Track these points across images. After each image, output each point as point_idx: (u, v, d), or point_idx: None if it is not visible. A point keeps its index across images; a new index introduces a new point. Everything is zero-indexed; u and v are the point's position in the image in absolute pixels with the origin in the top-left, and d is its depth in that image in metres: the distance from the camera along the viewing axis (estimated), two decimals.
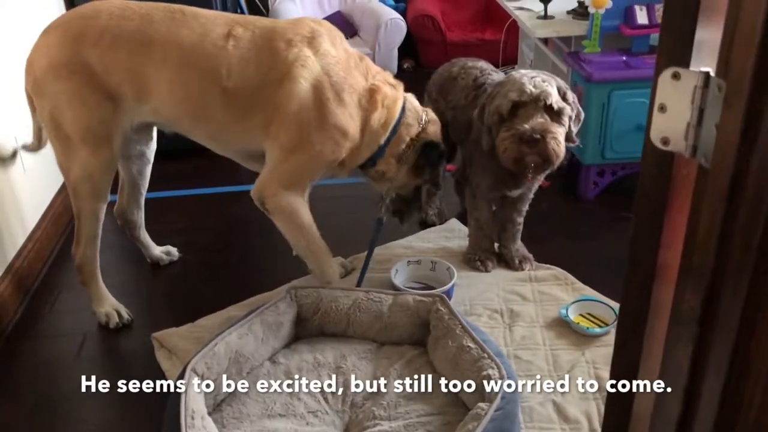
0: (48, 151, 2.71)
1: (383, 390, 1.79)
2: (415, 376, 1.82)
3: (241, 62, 1.96)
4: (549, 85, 2.08)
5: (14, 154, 2.42)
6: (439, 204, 2.84)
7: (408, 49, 4.64)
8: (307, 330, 2.01)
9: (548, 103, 2.04)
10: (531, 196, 2.46)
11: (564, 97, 2.11)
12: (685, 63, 0.79)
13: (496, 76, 2.45)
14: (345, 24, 4.64)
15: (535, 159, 2.08)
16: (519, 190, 2.38)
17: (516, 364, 1.99)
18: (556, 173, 2.79)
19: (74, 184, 2.09)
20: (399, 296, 2.00)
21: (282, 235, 2.20)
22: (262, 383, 1.80)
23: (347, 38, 4.45)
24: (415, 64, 4.69)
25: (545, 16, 3.09)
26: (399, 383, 1.79)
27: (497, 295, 2.31)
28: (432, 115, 2.25)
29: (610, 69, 2.76)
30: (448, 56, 4.63)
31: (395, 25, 4.37)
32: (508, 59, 4.35)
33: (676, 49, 0.79)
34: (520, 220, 2.47)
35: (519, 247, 2.50)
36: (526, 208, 2.47)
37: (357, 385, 1.81)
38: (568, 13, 3.09)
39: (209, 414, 1.73)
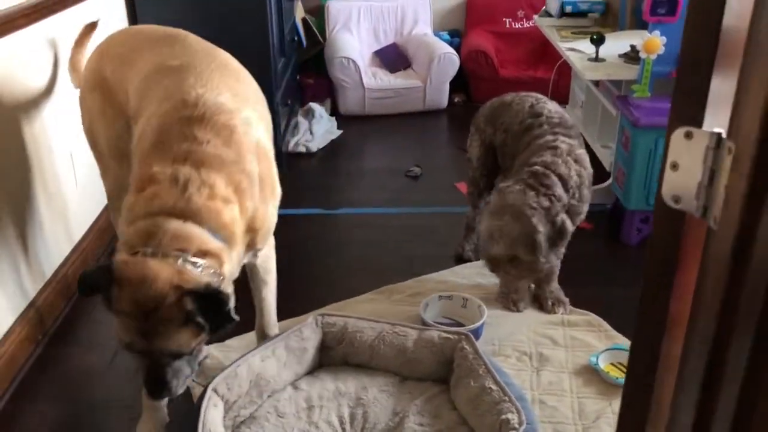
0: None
1: (402, 425, 1.78)
2: (435, 416, 1.81)
3: None
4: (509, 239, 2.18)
5: None
6: (476, 240, 2.83)
7: (460, 83, 4.67)
8: (332, 358, 2.02)
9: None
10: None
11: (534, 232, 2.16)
12: (698, 122, 0.78)
13: (551, 105, 2.46)
14: (399, 56, 4.70)
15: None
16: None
17: (540, 410, 1.96)
18: (600, 217, 2.74)
19: (109, 196, 2.18)
20: (424, 332, 2.00)
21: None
22: (281, 408, 1.81)
23: (401, 70, 4.55)
24: (466, 98, 4.71)
25: (596, 59, 3.07)
26: (418, 420, 1.78)
27: (528, 338, 2.28)
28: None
29: (659, 115, 2.71)
30: (499, 92, 4.62)
31: (448, 60, 4.40)
32: (558, 99, 4.32)
33: (689, 108, 0.78)
34: (557, 261, 2.44)
35: (554, 289, 2.46)
36: (562, 249, 2.44)
37: (376, 418, 1.81)
38: (620, 56, 3.06)
39: None
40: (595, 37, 3.06)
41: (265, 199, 1.71)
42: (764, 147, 0.66)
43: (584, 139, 3.64)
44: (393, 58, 4.68)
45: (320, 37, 4.69)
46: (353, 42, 4.61)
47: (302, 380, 1.95)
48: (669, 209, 0.81)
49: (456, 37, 4.93)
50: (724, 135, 0.74)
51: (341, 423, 1.81)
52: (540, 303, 2.46)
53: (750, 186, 0.68)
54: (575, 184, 2.19)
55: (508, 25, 4.88)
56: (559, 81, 4.34)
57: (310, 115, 4.22)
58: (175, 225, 1.47)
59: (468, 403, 1.80)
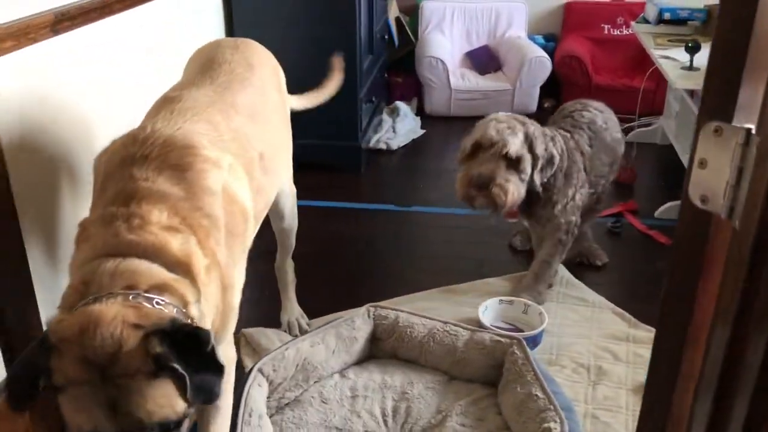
0: None
1: (444, 424, 1.76)
2: (479, 419, 1.78)
3: None
4: (512, 134, 2.11)
5: None
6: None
7: (551, 88, 4.56)
8: (382, 351, 2.03)
9: (504, 152, 2.10)
10: (560, 236, 2.37)
11: (531, 146, 2.14)
12: (728, 118, 0.73)
13: (591, 115, 2.42)
14: (490, 58, 4.65)
15: (482, 201, 2.15)
16: (525, 222, 2.45)
17: (592, 425, 1.88)
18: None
19: None
20: (476, 333, 1.97)
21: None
22: (326, 394, 1.83)
23: (491, 72, 4.50)
24: (556, 103, 4.59)
25: (690, 68, 2.93)
26: (460, 421, 1.75)
27: (588, 350, 2.20)
28: None
29: None
30: (591, 98, 4.53)
31: (539, 63, 4.32)
32: (654, 108, 4.16)
33: (719, 103, 0.73)
34: (547, 258, 2.41)
35: (534, 287, 2.43)
36: (554, 250, 2.40)
37: (419, 414, 1.80)
38: None
39: (271, 416, 1.78)
40: (690, 44, 2.92)
41: (233, 256, 1.38)
42: None
43: (676, 152, 3.48)
44: (483, 59, 4.64)
45: (412, 37, 4.71)
46: (444, 42, 4.60)
47: (350, 369, 1.96)
48: (695, 209, 0.77)
49: (551, 42, 4.83)
50: (753, 131, 0.69)
51: (383, 415, 1.81)
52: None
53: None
54: (561, 162, 2.24)
55: (606, 32, 4.73)
56: (656, 91, 4.16)
57: (395, 113, 4.24)
58: (113, 263, 1.17)
59: (513, 409, 1.75)
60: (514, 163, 2.12)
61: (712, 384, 0.72)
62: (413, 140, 4.05)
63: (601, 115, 2.43)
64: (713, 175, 0.74)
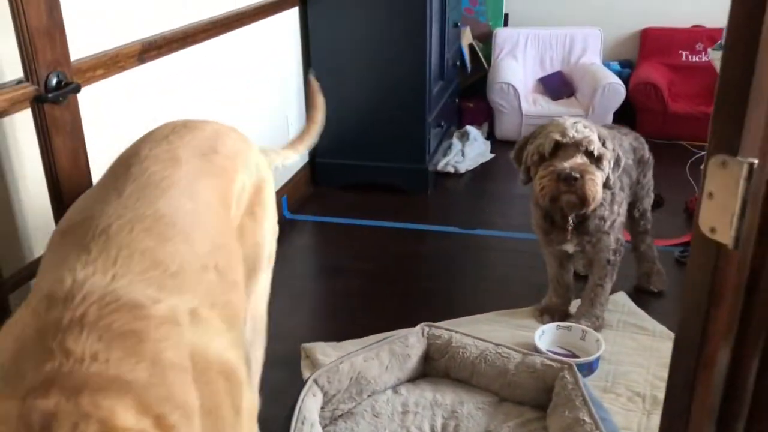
0: None
1: None
2: None
3: None
4: (591, 132, 2.12)
5: None
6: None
7: (625, 115, 4.51)
8: (435, 369, 2.08)
9: (590, 148, 2.10)
10: (609, 257, 2.34)
11: (604, 144, 2.14)
12: (734, 152, 0.76)
13: (617, 140, 2.42)
14: (563, 84, 4.65)
15: (570, 198, 2.12)
16: (570, 246, 2.34)
17: None
18: None
19: None
20: (528, 356, 1.99)
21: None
22: (378, 408, 1.90)
23: (564, 98, 4.50)
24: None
25: None
26: None
27: (644, 379, 2.18)
28: None
29: None
30: (666, 126, 4.47)
31: (613, 90, 4.29)
32: None
33: (725, 137, 0.76)
34: (600, 282, 2.38)
35: (592, 312, 2.40)
36: (605, 272, 2.37)
37: None
38: None
39: (325, 426, 1.86)
40: None
41: None
42: None
43: None
44: (556, 85, 4.64)
45: (485, 63, 4.77)
46: (516, 68, 4.64)
47: (403, 386, 2.02)
48: (706, 239, 0.80)
49: (627, 68, 4.78)
50: (755, 166, 0.72)
51: (432, 431, 1.85)
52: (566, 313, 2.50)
53: (762, 217, 0.66)
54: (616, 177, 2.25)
55: (684, 58, 4.65)
56: None
57: (465, 137, 4.30)
58: None
59: None
60: (595, 160, 2.14)
61: (715, 409, 0.75)
62: (482, 164, 4.10)
63: (626, 142, 2.43)
64: (720, 207, 0.77)
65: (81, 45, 1.88)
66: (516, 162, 2.32)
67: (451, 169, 3.95)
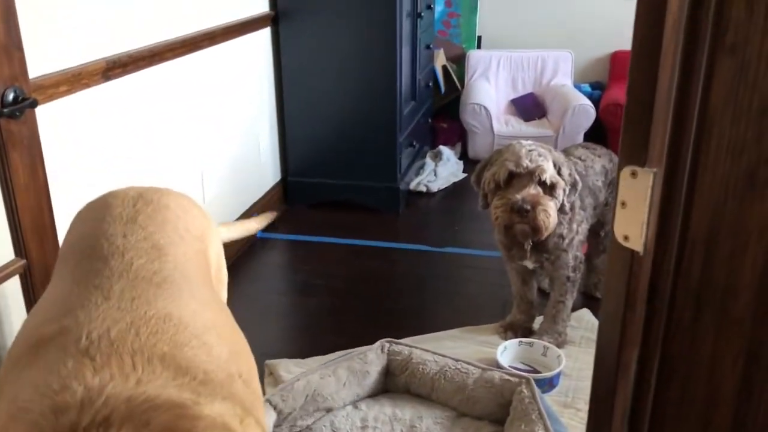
0: (228, 185, 3.12)
1: None
2: None
3: None
4: (545, 160, 2.15)
5: None
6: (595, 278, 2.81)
7: (596, 135, 4.58)
8: (395, 385, 2.09)
9: (542, 178, 2.14)
10: (568, 274, 2.38)
11: (559, 172, 2.18)
12: (642, 162, 0.80)
13: (589, 161, 2.48)
14: (535, 106, 4.72)
15: (524, 227, 2.17)
16: (529, 262, 2.38)
17: None
18: None
19: None
20: (486, 371, 2.01)
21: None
22: (337, 424, 1.91)
23: (535, 119, 4.57)
24: None
25: None
26: None
27: None
28: None
29: None
30: None
31: (583, 111, 4.36)
32: None
33: (634, 148, 0.80)
34: (560, 299, 2.42)
35: (554, 328, 2.44)
36: (565, 289, 2.40)
37: None
38: None
39: None
40: None
41: None
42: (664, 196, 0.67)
43: None
44: (528, 106, 4.71)
45: (458, 84, 4.84)
46: (489, 90, 4.71)
47: (363, 401, 2.03)
48: (621, 247, 0.83)
49: (597, 90, 4.87)
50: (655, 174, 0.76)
51: None
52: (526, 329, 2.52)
53: (659, 222, 0.69)
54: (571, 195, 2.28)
55: None
56: None
57: (438, 157, 4.35)
58: None
59: None
60: (549, 189, 2.18)
61: (627, 414, 0.78)
62: (454, 183, 4.14)
63: (582, 163, 2.46)
64: (633, 215, 0.80)
65: (44, 61, 1.90)
66: (476, 186, 2.35)
67: (424, 188, 3.99)
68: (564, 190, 2.20)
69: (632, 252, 0.84)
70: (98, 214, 1.27)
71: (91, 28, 2.11)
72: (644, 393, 0.73)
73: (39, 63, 1.87)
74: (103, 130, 2.22)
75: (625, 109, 0.82)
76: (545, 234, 2.18)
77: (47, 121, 1.92)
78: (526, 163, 2.15)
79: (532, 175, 2.15)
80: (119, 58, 2.22)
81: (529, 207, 2.12)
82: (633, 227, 0.80)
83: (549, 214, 2.14)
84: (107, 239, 1.17)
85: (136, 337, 0.96)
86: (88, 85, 2.10)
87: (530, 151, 2.18)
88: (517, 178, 2.17)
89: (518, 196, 2.13)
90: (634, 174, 0.79)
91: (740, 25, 0.57)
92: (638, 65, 0.77)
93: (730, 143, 0.60)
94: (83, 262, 1.13)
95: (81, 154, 2.12)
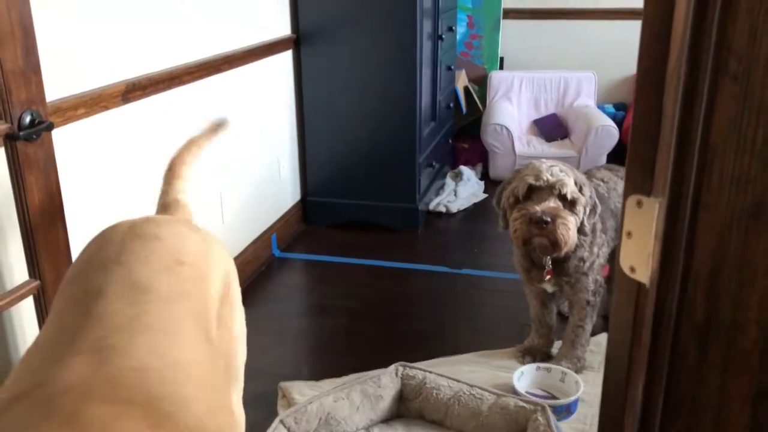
0: (247, 205, 3.13)
1: None
2: None
3: None
4: (566, 176, 2.12)
5: None
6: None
7: (619, 157, 4.54)
8: (409, 410, 2.06)
9: (563, 192, 2.09)
10: (588, 298, 2.33)
11: (580, 190, 2.13)
12: (648, 191, 0.77)
13: (593, 183, 2.43)
14: (558, 126, 4.69)
15: (542, 241, 2.12)
16: (548, 285, 2.33)
17: None
18: None
19: None
20: (501, 397, 1.97)
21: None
22: None
23: (557, 140, 4.53)
24: None
25: None
26: None
27: None
28: None
29: None
30: None
31: (606, 132, 4.32)
32: None
33: (639, 177, 0.78)
34: (580, 323, 2.37)
35: (573, 353, 2.39)
36: (585, 313, 2.36)
37: None
38: None
39: None
40: None
41: None
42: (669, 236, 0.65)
43: None
44: (551, 127, 4.68)
45: (480, 105, 4.83)
46: (511, 110, 4.69)
47: (376, 426, 2.00)
48: (627, 278, 0.81)
49: (621, 111, 4.82)
50: (659, 204, 0.73)
51: None
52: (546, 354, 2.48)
53: (662, 252, 0.67)
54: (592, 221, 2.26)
55: None
56: None
57: (458, 177, 4.33)
58: None
59: None
60: (569, 204, 2.14)
61: (635, 430, 0.75)
62: (475, 204, 4.11)
63: (604, 185, 2.43)
64: (639, 246, 0.78)
65: (63, 84, 1.93)
66: (497, 206, 2.33)
67: (443, 209, 3.97)
68: (585, 208, 2.15)
69: (639, 284, 0.81)
70: (88, 255, 1.21)
71: (111, 51, 2.14)
72: (649, 431, 0.70)
73: (58, 85, 1.90)
74: (122, 152, 2.24)
75: (631, 138, 0.80)
76: (564, 249, 2.12)
77: (65, 143, 1.95)
78: (546, 176, 2.12)
79: (552, 189, 2.11)
80: (139, 81, 2.25)
81: (548, 219, 2.07)
82: (639, 258, 0.78)
83: (569, 228, 2.10)
84: (90, 283, 1.11)
85: (110, 391, 0.91)
86: (107, 108, 2.12)
87: (551, 166, 2.16)
88: (537, 191, 2.13)
89: (537, 208, 2.10)
90: (639, 203, 0.77)
91: (743, 54, 0.55)
92: (643, 94, 0.75)
93: (734, 174, 0.57)
94: (67, 309, 1.08)
95: (98, 177, 2.14)
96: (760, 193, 0.57)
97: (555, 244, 2.11)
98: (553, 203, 2.11)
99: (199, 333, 1.12)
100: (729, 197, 0.58)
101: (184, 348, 1.05)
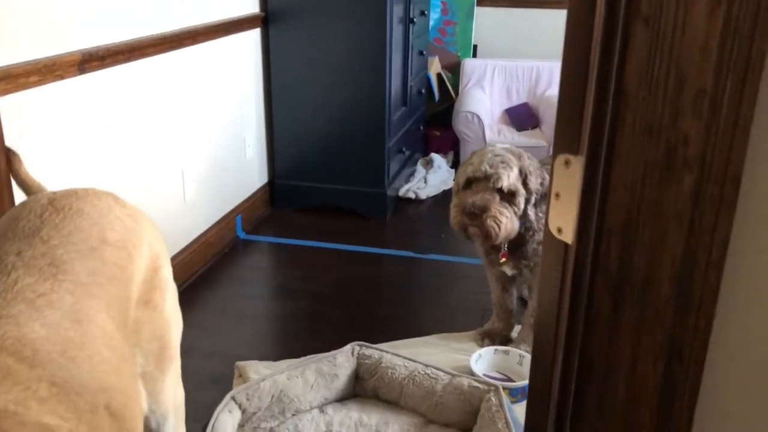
0: (211, 184, 3.09)
1: None
2: None
3: None
4: (507, 168, 2.12)
5: None
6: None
7: None
8: (364, 390, 2.05)
9: (497, 186, 2.12)
10: None
11: (525, 179, 2.13)
12: (576, 150, 0.76)
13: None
14: (529, 116, 4.68)
15: (475, 231, 2.16)
16: (507, 268, 2.35)
17: None
18: None
19: None
20: (455, 378, 1.97)
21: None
22: (301, 428, 1.87)
23: (528, 129, 4.53)
24: None
25: None
26: None
27: None
28: None
29: None
30: None
31: None
32: None
33: (567, 136, 0.76)
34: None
35: (532, 337, 2.37)
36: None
37: None
38: None
39: None
40: None
41: None
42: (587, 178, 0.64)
43: None
44: (522, 116, 4.68)
45: (453, 93, 4.81)
46: (483, 98, 4.68)
47: (330, 405, 1.98)
48: (555, 240, 0.79)
49: None
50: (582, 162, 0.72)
51: None
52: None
53: (581, 210, 0.66)
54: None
55: None
56: None
57: (429, 164, 4.32)
58: None
59: None
60: (507, 197, 2.15)
61: (553, 409, 0.74)
62: (444, 191, 4.10)
63: None
64: (565, 207, 0.77)
65: (14, 49, 1.88)
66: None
67: (412, 195, 3.95)
68: (528, 200, 2.17)
69: (565, 245, 0.80)
70: (5, 225, 1.15)
71: (68, 18, 2.09)
72: (567, 391, 0.69)
73: (8, 50, 1.85)
74: (77, 124, 2.19)
75: (559, 96, 0.78)
76: (498, 240, 2.16)
77: (14, 111, 1.89)
78: (484, 168, 2.13)
79: (488, 181, 2.13)
80: (96, 51, 2.20)
81: (477, 212, 2.11)
82: (566, 219, 0.77)
83: (499, 220, 2.13)
84: (6, 254, 1.06)
85: None
86: (62, 77, 2.07)
87: (495, 156, 2.16)
88: (475, 182, 2.16)
89: (469, 200, 2.13)
90: (567, 163, 0.76)
91: None
92: (570, 51, 0.73)
93: (646, 122, 0.56)
94: None
95: (51, 148, 2.09)
96: (672, 141, 0.56)
97: (486, 235, 2.15)
98: (488, 195, 2.13)
99: (115, 326, 1.09)
100: (641, 147, 0.57)
101: (88, 333, 1.01)
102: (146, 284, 1.26)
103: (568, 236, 0.76)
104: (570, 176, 0.75)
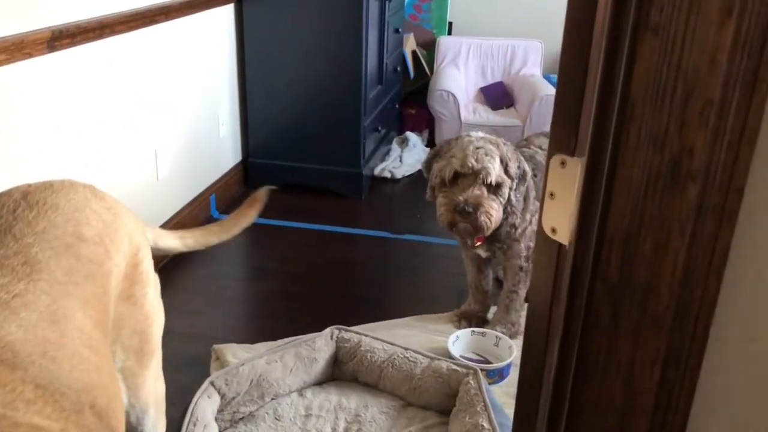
0: (184, 163, 3.05)
1: None
2: None
3: None
4: (491, 159, 2.12)
5: None
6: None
7: None
8: (343, 373, 2.05)
9: (486, 181, 2.13)
10: (521, 264, 2.37)
11: (506, 167, 2.15)
12: (572, 151, 0.76)
13: (530, 151, 2.45)
14: (504, 95, 4.69)
15: (466, 226, 2.16)
16: (482, 251, 2.37)
17: None
18: None
19: None
20: (434, 361, 1.98)
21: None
22: (280, 411, 1.86)
23: (503, 108, 4.54)
24: None
25: None
26: None
27: None
28: None
29: None
30: None
31: (550, 102, 4.33)
32: None
33: (564, 136, 0.76)
34: (513, 289, 2.41)
35: (507, 318, 2.43)
36: (518, 279, 2.40)
37: None
38: None
39: (225, 429, 1.82)
40: None
41: None
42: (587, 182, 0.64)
43: None
44: (497, 95, 4.68)
45: (428, 70, 4.79)
46: (458, 77, 4.66)
47: (309, 389, 1.99)
48: (548, 240, 0.79)
49: None
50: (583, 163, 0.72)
51: None
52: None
53: (580, 213, 0.66)
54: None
55: None
56: None
57: (404, 143, 4.30)
58: None
59: None
60: (494, 189, 2.16)
61: (546, 411, 0.74)
62: (419, 170, 4.09)
63: (542, 152, 2.45)
64: (560, 207, 0.76)
65: None
66: (426, 173, 2.33)
67: (388, 174, 3.94)
68: (510, 188, 2.18)
69: (559, 245, 0.80)
70: None
71: None
72: (562, 393, 0.69)
73: None
74: (48, 103, 2.13)
75: (556, 95, 0.78)
76: (487, 232, 2.18)
77: None
78: (471, 162, 2.12)
79: (477, 176, 2.13)
80: (66, 28, 2.13)
81: (470, 209, 2.11)
82: (561, 219, 0.77)
83: (491, 215, 2.14)
84: None
85: None
86: (30, 55, 2.01)
87: (477, 149, 2.15)
88: (462, 177, 2.15)
89: (461, 198, 2.13)
90: (563, 163, 0.76)
91: (664, 4, 0.52)
92: (569, 50, 0.73)
93: (652, 132, 0.56)
94: None
95: (20, 128, 2.03)
96: (677, 152, 0.55)
97: (478, 229, 2.16)
98: (477, 190, 2.13)
99: (93, 325, 1.06)
100: (646, 156, 0.57)
101: (67, 334, 0.99)
102: (127, 279, 1.23)
103: (564, 237, 0.76)
104: (566, 177, 0.75)
